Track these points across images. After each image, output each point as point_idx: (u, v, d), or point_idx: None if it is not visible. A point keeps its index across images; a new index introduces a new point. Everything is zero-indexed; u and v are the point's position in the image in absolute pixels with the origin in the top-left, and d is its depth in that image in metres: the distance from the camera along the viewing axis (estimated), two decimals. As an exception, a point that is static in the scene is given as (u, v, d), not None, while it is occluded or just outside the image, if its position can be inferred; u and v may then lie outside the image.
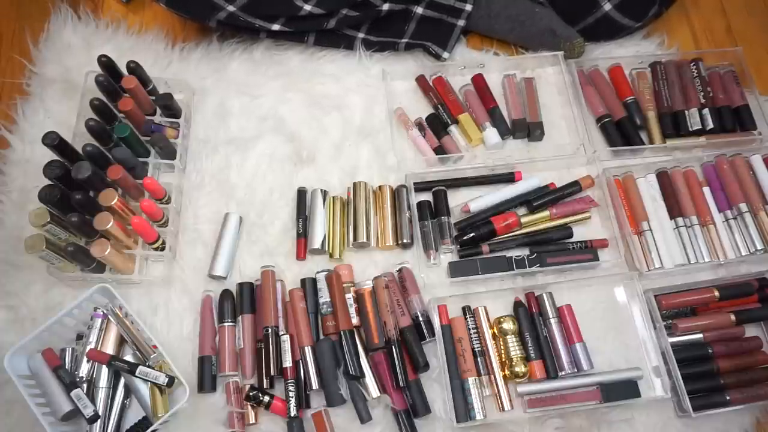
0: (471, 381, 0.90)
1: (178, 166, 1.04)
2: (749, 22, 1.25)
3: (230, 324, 0.94)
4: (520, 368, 0.90)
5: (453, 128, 1.10)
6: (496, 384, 0.90)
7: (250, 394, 0.88)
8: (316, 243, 0.99)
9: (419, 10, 1.15)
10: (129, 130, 0.97)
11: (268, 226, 1.03)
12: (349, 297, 0.95)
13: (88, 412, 0.84)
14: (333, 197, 1.04)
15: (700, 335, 0.94)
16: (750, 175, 1.06)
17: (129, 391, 0.90)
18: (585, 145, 1.07)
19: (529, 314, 0.95)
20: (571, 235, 1.02)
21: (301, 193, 1.04)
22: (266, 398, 0.88)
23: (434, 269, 1.00)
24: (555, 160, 1.07)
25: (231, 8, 1.04)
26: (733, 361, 0.93)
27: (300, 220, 1.02)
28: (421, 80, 1.14)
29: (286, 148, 1.09)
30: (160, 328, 0.95)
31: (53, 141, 0.90)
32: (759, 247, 1.00)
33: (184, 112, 1.07)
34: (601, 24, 1.14)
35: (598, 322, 0.97)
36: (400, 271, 0.98)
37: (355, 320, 0.94)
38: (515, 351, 0.92)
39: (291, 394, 0.88)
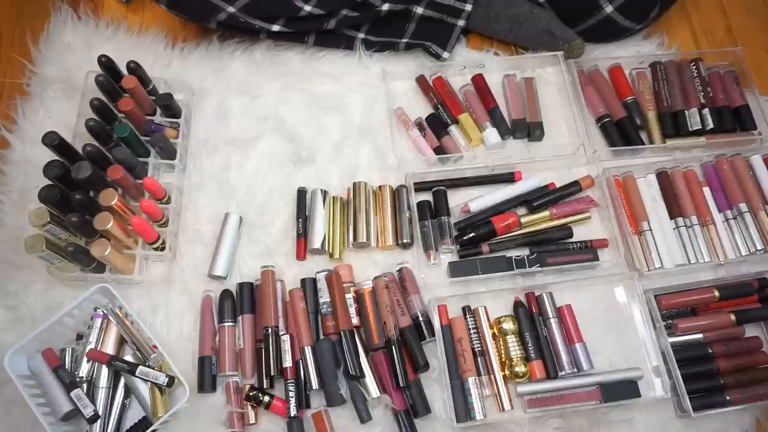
0: (471, 381, 0.90)
1: (178, 166, 1.04)
2: (749, 22, 1.25)
3: (230, 324, 0.94)
4: (520, 368, 0.90)
5: (453, 128, 1.10)
6: (496, 384, 0.90)
7: (250, 394, 0.88)
8: (316, 243, 0.99)
9: (419, 10, 1.15)
10: (129, 130, 0.97)
11: (268, 226, 1.03)
12: (349, 297, 0.95)
13: (88, 412, 0.84)
14: (333, 197, 1.04)
15: (700, 335, 0.94)
16: (750, 175, 1.06)
17: (129, 391, 0.90)
18: (585, 145, 1.07)
19: (529, 314, 0.95)
20: (571, 235, 1.02)
21: (301, 193, 1.04)
22: (266, 398, 0.88)
23: (434, 269, 1.00)
24: (555, 160, 1.07)
25: (231, 9, 1.04)
26: (733, 361, 0.93)
27: (300, 220, 1.02)
28: (421, 80, 1.14)
29: (286, 148, 1.09)
30: (160, 328, 0.95)
31: (53, 141, 0.90)
32: (759, 247, 1.00)
33: (184, 112, 1.07)
34: (602, 26, 1.14)
35: (598, 322, 0.97)
36: (400, 271, 0.98)
37: (355, 320, 0.94)
38: (515, 351, 0.92)
39: (291, 394, 0.88)
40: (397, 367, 0.89)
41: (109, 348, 0.90)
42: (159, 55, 1.14)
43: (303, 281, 0.98)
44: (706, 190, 1.06)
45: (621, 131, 1.10)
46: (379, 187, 1.05)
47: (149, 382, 0.87)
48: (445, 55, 1.15)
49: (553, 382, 0.91)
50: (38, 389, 0.86)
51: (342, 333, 0.91)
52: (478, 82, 1.13)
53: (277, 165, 1.07)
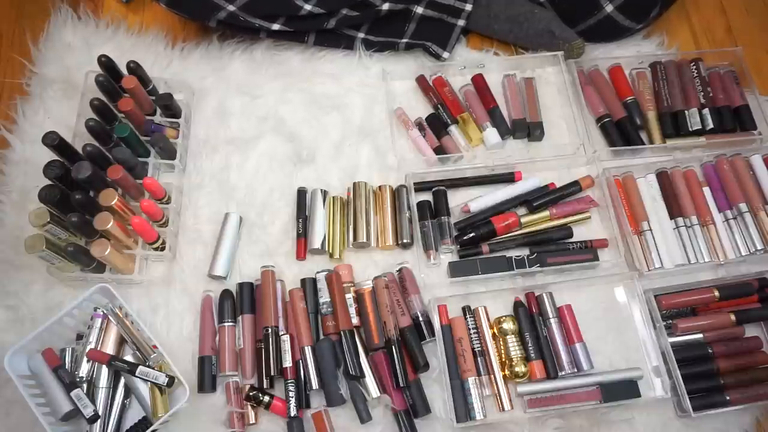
0: (471, 381, 0.90)
1: (178, 166, 1.04)
2: (749, 22, 1.25)
3: (230, 324, 0.94)
4: (520, 368, 0.90)
5: (453, 128, 1.10)
6: (496, 384, 0.90)
7: (250, 394, 0.88)
8: (316, 243, 0.99)
9: (419, 9, 1.15)
10: (129, 130, 0.97)
11: (268, 226, 1.03)
12: (349, 297, 0.95)
13: (88, 412, 0.84)
14: (333, 197, 1.04)
15: (700, 335, 0.94)
16: (750, 175, 1.06)
17: (129, 391, 0.90)
18: (585, 145, 1.07)
19: (529, 314, 0.95)
20: (571, 235, 1.02)
21: (301, 193, 1.04)
22: (266, 398, 0.88)
23: (434, 269, 1.00)
24: (555, 160, 1.07)
25: (231, 8, 1.04)
26: (733, 361, 0.93)
27: (300, 220, 1.02)
28: (421, 80, 1.14)
29: (286, 148, 1.09)
30: (160, 328, 0.95)
31: (53, 141, 0.90)
32: (759, 247, 1.00)
33: (184, 112, 1.07)
34: (603, 25, 1.14)
35: (598, 322, 0.97)
36: (400, 271, 0.98)
37: (355, 320, 0.94)
38: (515, 351, 0.92)
39: (291, 394, 0.88)
40: (397, 367, 0.89)
41: (109, 348, 0.90)
42: (159, 55, 1.14)
43: (303, 281, 0.97)
44: (706, 190, 1.06)
45: (621, 131, 1.10)
46: (379, 187, 1.05)
47: (149, 382, 0.87)
48: (445, 55, 1.15)
49: (553, 382, 0.91)
50: (38, 389, 0.86)
51: (342, 333, 0.91)
52: (478, 82, 1.13)
53: (277, 165, 1.07)
